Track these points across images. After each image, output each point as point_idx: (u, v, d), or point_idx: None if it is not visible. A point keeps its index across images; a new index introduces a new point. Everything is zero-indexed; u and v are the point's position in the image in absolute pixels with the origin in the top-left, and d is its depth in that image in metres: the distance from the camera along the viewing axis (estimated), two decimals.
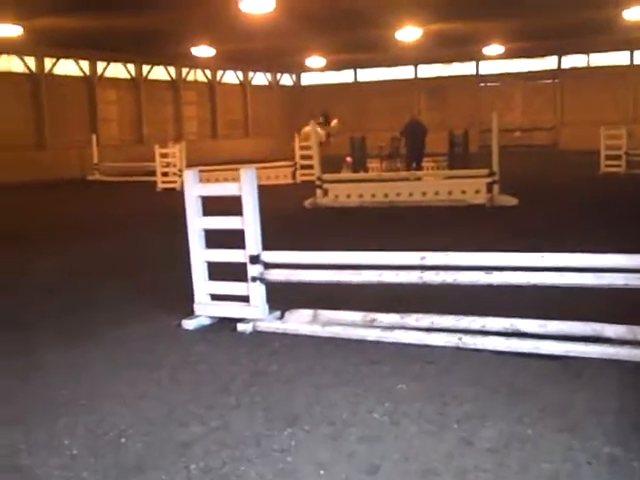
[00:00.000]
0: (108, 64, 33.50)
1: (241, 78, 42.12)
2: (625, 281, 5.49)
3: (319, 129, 23.68)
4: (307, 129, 23.49)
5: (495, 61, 40.26)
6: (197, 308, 6.88)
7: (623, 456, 3.87)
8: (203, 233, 6.88)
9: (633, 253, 5.59)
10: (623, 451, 3.91)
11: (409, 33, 27.52)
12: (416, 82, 43.09)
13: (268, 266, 6.62)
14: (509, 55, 38.04)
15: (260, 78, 43.77)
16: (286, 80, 45.94)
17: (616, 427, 4.21)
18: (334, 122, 24.22)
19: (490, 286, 5.95)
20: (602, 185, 19.51)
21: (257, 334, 6.44)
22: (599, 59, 39.77)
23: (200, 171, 7.33)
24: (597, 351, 5.35)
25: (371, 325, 6.31)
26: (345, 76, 44.86)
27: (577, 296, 6.21)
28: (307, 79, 46.09)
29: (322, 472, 3.87)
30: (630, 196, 16.29)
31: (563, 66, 40.49)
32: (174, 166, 23.69)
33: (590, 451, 3.93)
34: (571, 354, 5.39)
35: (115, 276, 9.32)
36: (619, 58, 39.17)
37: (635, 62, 38.87)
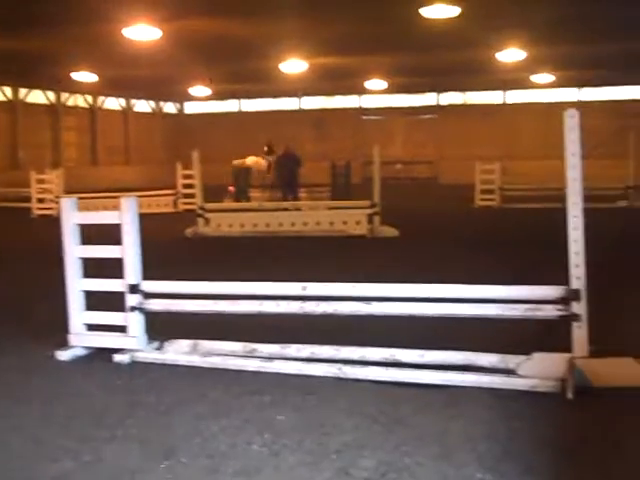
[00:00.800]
0: None
1: (123, 105, 41.52)
2: (499, 311, 5.66)
3: (261, 159, 23.67)
4: (249, 158, 23.54)
5: (378, 95, 41.22)
6: (72, 338, 6.66)
7: None
8: (80, 262, 6.70)
9: (506, 284, 5.79)
10: (495, 476, 4.00)
11: (294, 65, 27.86)
12: (300, 113, 43.59)
13: (147, 296, 6.50)
14: (391, 90, 39.04)
15: (143, 105, 43.27)
16: (169, 108, 45.58)
17: (488, 453, 4.31)
18: None
19: (371, 316, 6.03)
20: (477, 218, 20.17)
21: (135, 365, 6.29)
22: (475, 97, 41.36)
23: (79, 198, 7.16)
24: (472, 380, 5.48)
25: (251, 355, 6.26)
26: (229, 105, 44.89)
27: (454, 326, 6.36)
28: (191, 107, 45.85)
29: None
30: (503, 229, 16.90)
31: (441, 102, 41.87)
32: (51, 192, 23.04)
33: (464, 478, 4.00)
34: (448, 383, 5.50)
35: None
36: (493, 97, 40.85)
37: (507, 101, 40.61)
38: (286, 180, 22.39)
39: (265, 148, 24.16)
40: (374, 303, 5.91)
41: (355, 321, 6.44)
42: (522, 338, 6.29)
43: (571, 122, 5.44)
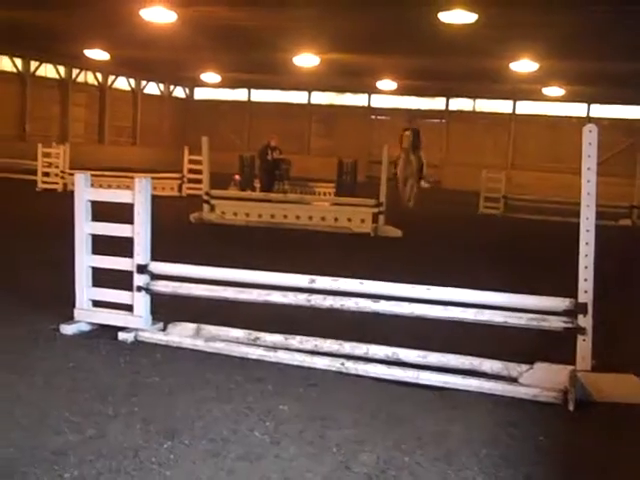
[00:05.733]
0: None
1: (133, 85, 41.48)
2: (504, 318, 5.69)
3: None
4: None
5: (387, 96, 41.21)
6: (77, 313, 6.69)
7: None
8: (90, 238, 6.73)
9: (511, 292, 5.82)
10: None
11: (306, 59, 27.86)
12: (308, 107, 43.55)
13: (155, 277, 6.53)
14: (401, 92, 39.05)
15: (152, 87, 43.22)
16: (179, 92, 45.53)
17: (488, 459, 4.34)
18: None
19: (376, 314, 6.06)
20: (481, 225, 20.12)
21: (138, 344, 6.32)
22: (484, 105, 41.34)
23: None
24: (474, 384, 5.51)
25: (254, 343, 6.29)
26: (239, 94, 44.83)
27: (459, 330, 6.38)
28: (200, 93, 45.79)
29: None
30: (506, 237, 16.90)
31: (450, 108, 41.85)
32: (56, 167, 23.09)
33: None
34: (449, 386, 5.53)
35: None
36: (503, 106, 40.83)
37: (517, 112, 40.60)
38: (267, 171, 22.68)
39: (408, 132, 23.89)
40: (381, 301, 5.93)
41: (361, 317, 6.47)
42: (525, 347, 6.32)
43: (590, 137, 5.46)
